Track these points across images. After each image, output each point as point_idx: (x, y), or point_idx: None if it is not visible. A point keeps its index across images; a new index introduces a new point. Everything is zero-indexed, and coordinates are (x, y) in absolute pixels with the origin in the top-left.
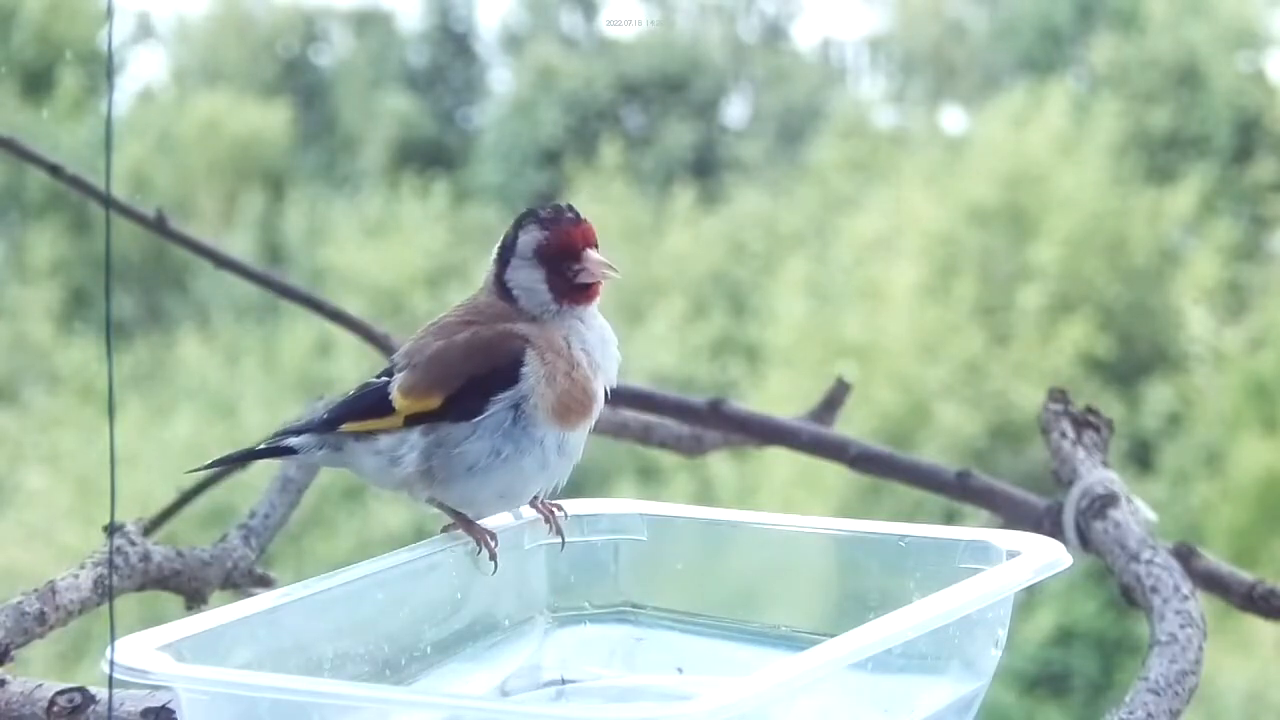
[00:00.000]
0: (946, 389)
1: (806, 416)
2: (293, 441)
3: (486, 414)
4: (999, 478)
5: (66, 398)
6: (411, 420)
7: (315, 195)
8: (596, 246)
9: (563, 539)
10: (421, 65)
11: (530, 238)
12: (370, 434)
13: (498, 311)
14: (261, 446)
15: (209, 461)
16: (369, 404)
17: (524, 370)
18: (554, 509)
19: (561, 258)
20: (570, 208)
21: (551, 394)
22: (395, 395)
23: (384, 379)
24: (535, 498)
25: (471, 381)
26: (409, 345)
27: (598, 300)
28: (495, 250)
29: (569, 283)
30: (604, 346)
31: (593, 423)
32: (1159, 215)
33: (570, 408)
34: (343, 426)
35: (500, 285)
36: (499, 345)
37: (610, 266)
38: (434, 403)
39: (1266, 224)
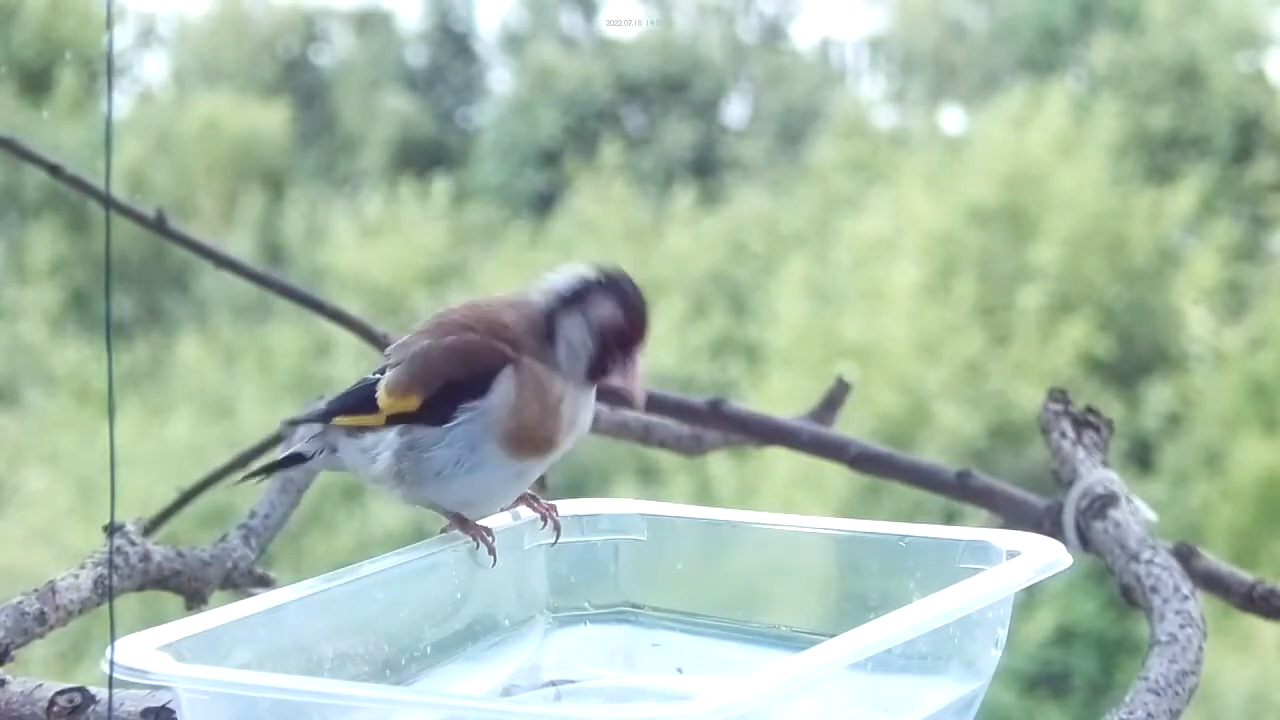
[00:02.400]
0: (946, 389)
1: (806, 416)
2: (301, 449)
3: (456, 422)
4: (999, 478)
5: (65, 398)
6: (392, 419)
7: (315, 195)
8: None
9: (557, 536)
10: (421, 65)
11: (606, 313)
12: (359, 430)
13: (505, 334)
14: (280, 458)
15: (243, 475)
16: (358, 399)
17: (494, 385)
18: (551, 508)
19: (618, 347)
20: (640, 295)
21: (512, 423)
22: (380, 393)
23: (377, 375)
24: (530, 497)
25: (447, 386)
26: (401, 341)
27: None
28: (558, 289)
29: (605, 370)
30: (587, 411)
31: (545, 465)
32: (1159, 215)
33: (522, 441)
34: (335, 420)
35: (548, 323)
36: (480, 354)
37: (643, 384)
38: (412, 404)
39: (1266, 224)
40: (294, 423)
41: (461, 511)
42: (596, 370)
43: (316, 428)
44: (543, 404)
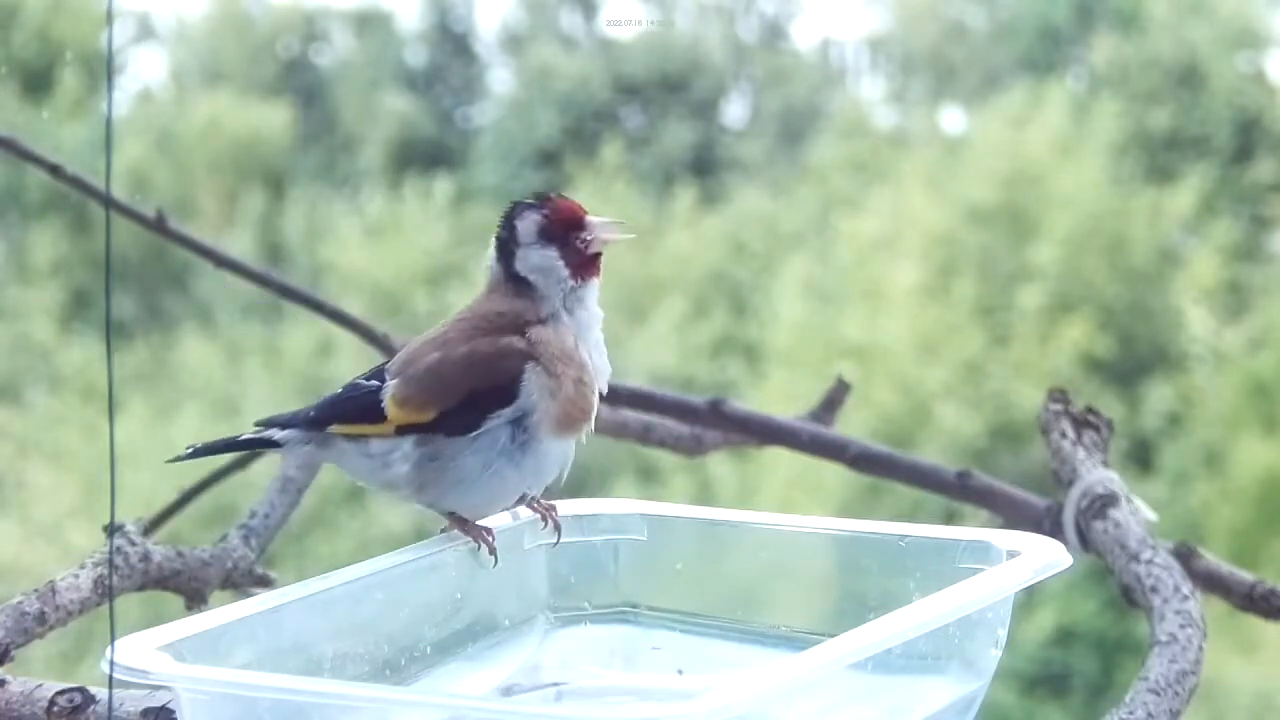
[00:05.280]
0: (946, 389)
1: (806, 416)
2: (277, 435)
3: (483, 429)
4: (999, 478)
5: (69, 397)
6: (403, 430)
7: (315, 195)
8: None
9: (558, 536)
10: (421, 65)
11: (530, 221)
12: (360, 436)
13: (502, 322)
14: (245, 436)
15: (188, 449)
16: (360, 408)
17: (523, 387)
18: (550, 508)
19: (568, 230)
20: (545, 191)
21: (555, 407)
22: (388, 404)
23: (374, 383)
24: (530, 498)
25: (470, 396)
26: (405, 354)
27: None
28: (492, 251)
29: (581, 254)
30: (600, 344)
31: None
32: (1159, 215)
33: (573, 418)
34: (331, 427)
35: (511, 279)
36: (498, 361)
37: (618, 224)
38: (428, 415)
39: (1266, 224)
40: (269, 425)
41: (479, 512)
42: (574, 263)
43: (296, 433)
44: (577, 367)
